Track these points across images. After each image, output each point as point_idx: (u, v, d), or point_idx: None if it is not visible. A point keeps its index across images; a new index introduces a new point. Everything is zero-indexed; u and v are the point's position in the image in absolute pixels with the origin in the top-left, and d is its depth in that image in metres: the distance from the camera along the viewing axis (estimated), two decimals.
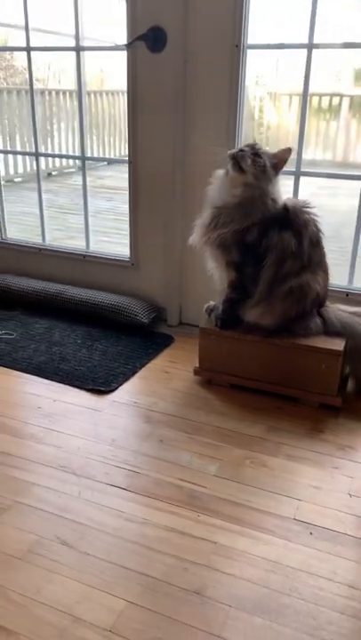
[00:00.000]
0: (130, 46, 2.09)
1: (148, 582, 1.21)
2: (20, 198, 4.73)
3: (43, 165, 6.03)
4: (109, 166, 6.25)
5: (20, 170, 5.55)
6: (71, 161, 6.50)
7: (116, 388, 1.95)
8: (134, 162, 2.26)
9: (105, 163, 6.46)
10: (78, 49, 2.24)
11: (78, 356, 2.15)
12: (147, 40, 2.06)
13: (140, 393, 1.92)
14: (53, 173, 5.96)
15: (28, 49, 2.34)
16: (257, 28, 2.03)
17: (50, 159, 5.92)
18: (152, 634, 1.10)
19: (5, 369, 2.05)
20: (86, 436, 1.69)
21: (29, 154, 2.71)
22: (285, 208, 1.77)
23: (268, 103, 6.30)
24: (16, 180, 5.53)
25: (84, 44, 2.24)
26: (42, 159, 5.89)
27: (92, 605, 1.15)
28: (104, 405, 1.85)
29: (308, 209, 1.80)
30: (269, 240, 1.74)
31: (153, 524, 1.36)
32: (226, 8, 1.94)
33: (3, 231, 2.74)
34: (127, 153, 2.29)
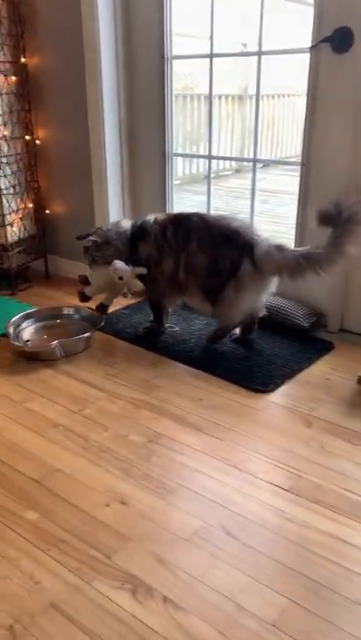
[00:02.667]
0: (314, 48, 2.08)
1: (310, 585, 1.20)
2: (180, 200, 4.93)
3: (201, 169, 6.23)
4: (264, 169, 6.28)
5: (180, 173, 5.79)
6: (228, 164, 6.64)
7: (274, 390, 1.95)
8: (307, 164, 2.25)
9: (260, 165, 6.51)
10: (260, 53, 2.28)
11: (236, 354, 2.20)
12: (332, 41, 2.04)
13: (299, 397, 1.91)
14: (211, 176, 6.12)
15: (211, 56, 2.43)
16: None
17: (205, 163, 6.09)
18: (315, 637, 1.09)
19: (168, 359, 2.16)
20: (245, 432, 1.72)
21: (202, 156, 2.81)
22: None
23: None
24: (175, 182, 5.77)
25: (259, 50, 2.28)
26: (200, 162, 6.11)
27: (256, 597, 1.18)
28: (262, 405, 1.87)
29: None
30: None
31: (314, 528, 1.35)
32: None
33: None
34: (300, 155, 2.29)
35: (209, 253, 2.08)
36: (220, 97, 5.95)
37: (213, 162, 2.66)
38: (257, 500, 1.44)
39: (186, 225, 2.14)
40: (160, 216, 2.23)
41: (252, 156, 2.55)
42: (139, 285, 2.22)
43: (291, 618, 1.13)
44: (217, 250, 2.06)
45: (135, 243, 2.23)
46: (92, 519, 1.38)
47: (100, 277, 2.27)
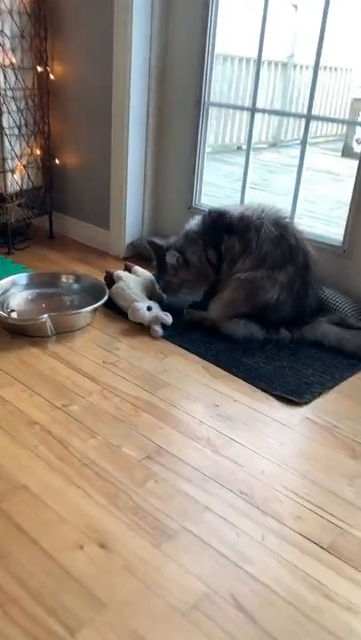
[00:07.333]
0: None
1: None
2: (210, 168, 4.53)
3: (234, 139, 5.77)
4: (301, 146, 5.82)
5: (211, 141, 5.36)
6: (263, 137, 6.17)
7: (311, 401, 1.56)
8: None
9: (297, 142, 6.07)
10: None
11: (265, 350, 1.80)
12: None
13: (341, 414, 1.51)
14: (244, 147, 5.71)
15: None
16: None
17: (238, 133, 5.68)
18: None
19: (181, 350, 1.77)
20: (272, 458, 1.33)
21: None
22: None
23: None
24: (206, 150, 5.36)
25: None
26: (233, 133, 5.65)
27: None
28: (294, 420, 1.47)
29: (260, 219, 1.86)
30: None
31: None
32: None
33: (197, 197, 2.49)
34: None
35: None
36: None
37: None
38: (283, 560, 1.06)
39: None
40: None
41: (305, 112, 2.12)
42: (158, 333, 1.84)
43: None
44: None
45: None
46: (59, 568, 1.01)
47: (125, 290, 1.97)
